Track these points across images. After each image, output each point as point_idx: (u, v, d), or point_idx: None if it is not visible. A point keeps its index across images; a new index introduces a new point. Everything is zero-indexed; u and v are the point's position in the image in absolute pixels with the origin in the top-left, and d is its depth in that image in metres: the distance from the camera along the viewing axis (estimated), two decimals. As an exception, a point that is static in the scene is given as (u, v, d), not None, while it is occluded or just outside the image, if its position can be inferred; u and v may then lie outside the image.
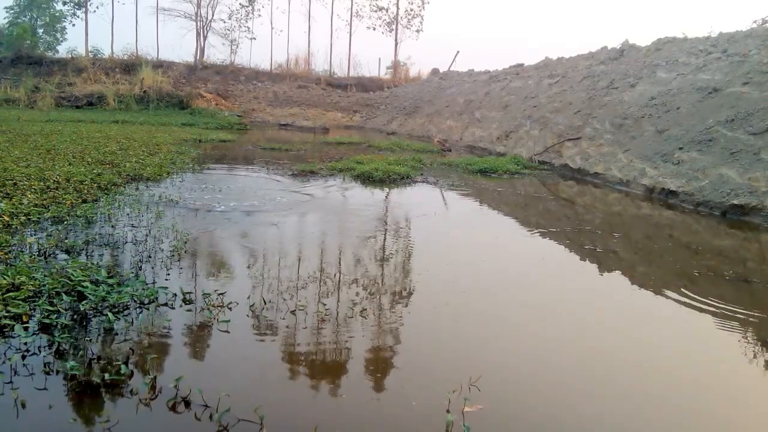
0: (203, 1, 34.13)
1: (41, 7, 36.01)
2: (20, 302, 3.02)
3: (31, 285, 3.23)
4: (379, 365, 2.82)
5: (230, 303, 3.41)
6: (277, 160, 11.56)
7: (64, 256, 4.06)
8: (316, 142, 17.41)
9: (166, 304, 3.32)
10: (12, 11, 35.77)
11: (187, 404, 2.31)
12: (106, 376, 2.42)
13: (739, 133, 8.33)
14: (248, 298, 3.54)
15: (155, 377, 2.44)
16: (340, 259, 4.71)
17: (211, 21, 34.84)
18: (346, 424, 2.32)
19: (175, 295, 3.42)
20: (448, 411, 2.33)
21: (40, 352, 2.65)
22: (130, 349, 2.67)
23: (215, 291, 3.53)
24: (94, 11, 33.22)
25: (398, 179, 9.40)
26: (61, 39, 37.22)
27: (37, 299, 3.12)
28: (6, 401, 2.26)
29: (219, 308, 3.34)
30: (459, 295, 3.98)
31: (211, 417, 2.23)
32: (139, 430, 2.20)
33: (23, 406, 2.24)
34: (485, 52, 52.47)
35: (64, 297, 3.14)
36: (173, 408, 2.30)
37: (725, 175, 7.69)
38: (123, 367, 2.50)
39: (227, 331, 3.05)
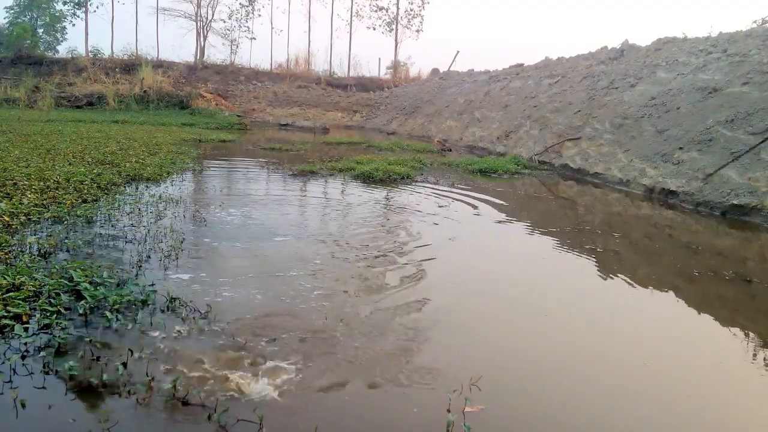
0: (203, 1, 34.20)
1: (41, 7, 36.03)
2: (20, 302, 3.02)
3: (31, 285, 3.23)
4: (379, 365, 2.81)
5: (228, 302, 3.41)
6: (277, 160, 11.56)
7: (65, 256, 4.05)
8: (316, 142, 17.41)
9: (165, 305, 3.31)
10: (12, 11, 35.81)
11: (186, 404, 2.31)
12: (105, 376, 2.42)
13: (739, 133, 8.33)
14: (254, 304, 3.54)
15: (153, 377, 2.44)
16: (339, 255, 4.70)
17: (211, 21, 34.95)
18: (347, 424, 2.32)
19: (175, 299, 3.39)
20: (448, 411, 2.33)
21: (39, 352, 2.65)
22: (129, 349, 2.66)
23: (214, 293, 3.53)
24: (94, 11, 33.30)
25: (398, 179, 9.41)
26: (61, 39, 37.27)
27: (37, 299, 3.11)
28: (6, 401, 2.26)
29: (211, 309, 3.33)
30: (459, 295, 3.98)
31: (209, 417, 2.23)
32: (138, 430, 2.19)
33: (23, 406, 2.24)
34: (485, 52, 52.52)
35: (64, 297, 3.14)
36: (172, 408, 2.29)
37: (725, 175, 7.68)
38: (121, 367, 2.49)
39: (227, 332, 3.05)
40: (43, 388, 2.39)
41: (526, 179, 10.59)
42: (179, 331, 3.00)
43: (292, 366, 2.72)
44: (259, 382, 2.55)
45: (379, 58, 40.35)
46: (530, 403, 2.62)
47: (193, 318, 3.17)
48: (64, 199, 5.69)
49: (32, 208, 5.15)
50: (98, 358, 2.62)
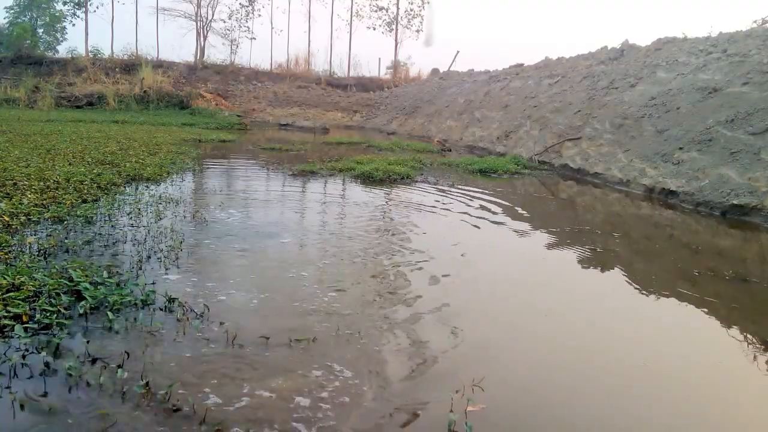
0: (203, 1, 34.22)
1: (41, 7, 36.05)
2: (20, 302, 3.02)
3: (31, 285, 3.23)
4: (379, 365, 2.81)
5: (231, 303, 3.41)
6: (277, 160, 11.57)
7: (65, 256, 4.05)
8: (316, 142, 17.41)
9: (164, 306, 3.31)
10: (12, 11, 35.83)
11: (179, 410, 2.29)
12: (101, 378, 2.42)
13: (739, 133, 8.33)
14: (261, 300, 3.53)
15: (148, 381, 2.43)
16: (339, 255, 4.70)
17: (211, 21, 34.99)
18: (348, 424, 2.31)
19: (174, 299, 3.39)
20: (451, 410, 2.33)
21: (39, 352, 2.64)
22: (126, 352, 2.65)
23: (214, 295, 3.53)
24: (94, 11, 33.30)
25: (399, 179, 9.41)
26: (61, 39, 37.29)
27: (37, 299, 3.11)
28: (5, 401, 2.26)
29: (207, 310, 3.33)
30: (459, 295, 3.97)
31: (201, 422, 2.22)
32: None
33: (22, 407, 2.24)
34: (485, 52, 52.54)
35: (64, 297, 3.14)
36: (166, 412, 2.28)
37: (725, 175, 7.68)
38: (119, 371, 2.49)
39: (229, 333, 3.04)
40: (42, 388, 2.38)
41: (526, 179, 10.59)
42: (178, 333, 3.00)
43: (292, 366, 2.73)
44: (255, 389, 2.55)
45: (379, 58, 40.38)
46: (531, 402, 2.62)
47: (191, 319, 3.16)
48: (64, 199, 5.69)
49: (32, 208, 5.15)
50: (95, 360, 2.62)
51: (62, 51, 34.50)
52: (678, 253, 5.66)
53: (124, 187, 7.07)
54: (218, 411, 2.30)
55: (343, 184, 8.86)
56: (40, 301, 3.06)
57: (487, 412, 2.40)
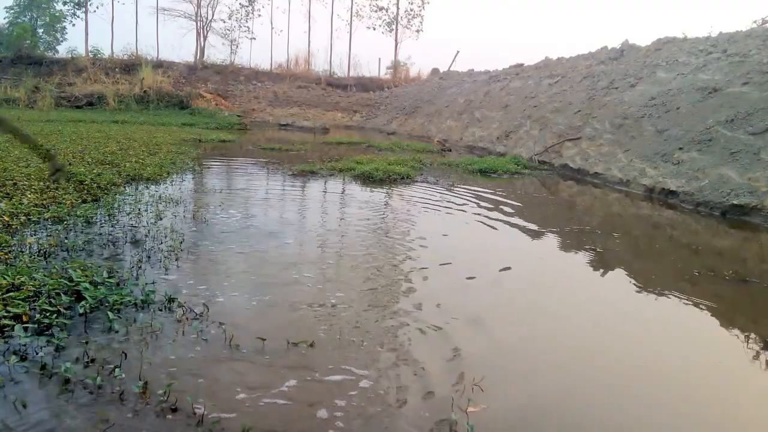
0: (203, 1, 34.24)
1: (41, 7, 36.04)
2: (20, 302, 3.02)
3: (31, 285, 3.23)
4: (379, 366, 2.81)
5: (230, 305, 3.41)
6: (277, 160, 11.56)
7: (65, 256, 4.05)
8: (316, 142, 17.41)
9: (163, 306, 3.31)
10: (12, 11, 35.83)
11: (176, 410, 2.29)
12: (99, 379, 2.41)
13: (739, 133, 8.33)
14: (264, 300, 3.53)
15: (146, 382, 2.43)
16: (341, 256, 4.70)
17: (211, 21, 35.00)
18: (348, 424, 2.31)
19: (174, 299, 3.39)
20: (452, 411, 2.33)
21: (38, 352, 2.64)
22: (123, 353, 2.65)
23: (212, 296, 3.52)
24: (94, 11, 33.35)
25: (398, 179, 9.41)
26: (61, 39, 37.29)
27: (37, 299, 3.11)
28: (5, 402, 2.25)
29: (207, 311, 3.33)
30: (459, 296, 3.97)
31: (198, 424, 2.22)
32: None
33: (24, 406, 2.24)
34: (485, 52, 52.60)
35: (64, 297, 3.14)
36: (163, 413, 2.28)
37: (725, 175, 7.69)
38: (117, 370, 2.49)
39: (228, 334, 3.04)
40: (41, 389, 2.38)
41: (526, 179, 10.59)
42: (177, 333, 3.00)
43: (292, 366, 2.72)
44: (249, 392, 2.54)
45: (379, 58, 40.46)
46: (532, 402, 2.62)
47: (190, 320, 3.16)
48: (64, 199, 5.69)
49: (32, 208, 5.15)
50: (93, 360, 2.62)
51: (62, 51, 34.57)
52: (678, 253, 5.66)
53: (124, 187, 7.07)
54: (216, 411, 2.30)
55: (343, 184, 8.86)
56: (40, 301, 3.06)
57: (488, 412, 2.40)
